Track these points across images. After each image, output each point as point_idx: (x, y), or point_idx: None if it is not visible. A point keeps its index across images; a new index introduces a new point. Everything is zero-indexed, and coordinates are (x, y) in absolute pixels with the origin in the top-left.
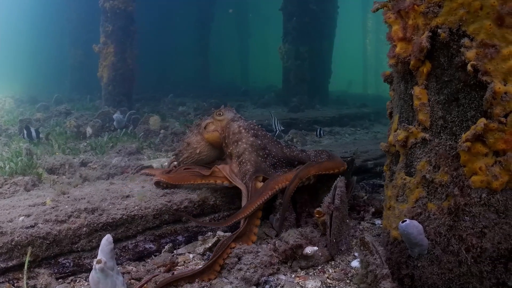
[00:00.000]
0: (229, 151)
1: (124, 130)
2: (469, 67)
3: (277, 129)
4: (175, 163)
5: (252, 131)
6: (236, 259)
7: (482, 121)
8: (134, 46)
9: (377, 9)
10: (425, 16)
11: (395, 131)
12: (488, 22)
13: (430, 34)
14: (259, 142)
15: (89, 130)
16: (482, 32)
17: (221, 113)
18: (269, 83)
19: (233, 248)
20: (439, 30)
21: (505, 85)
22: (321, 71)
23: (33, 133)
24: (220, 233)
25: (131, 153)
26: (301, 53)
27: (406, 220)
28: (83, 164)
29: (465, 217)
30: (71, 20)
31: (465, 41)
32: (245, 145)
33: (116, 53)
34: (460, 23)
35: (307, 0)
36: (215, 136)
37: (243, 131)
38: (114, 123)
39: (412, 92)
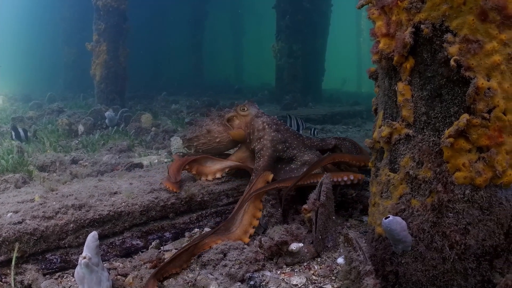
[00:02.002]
0: (252, 147)
1: (115, 128)
2: (452, 62)
3: (301, 128)
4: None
5: (275, 126)
6: (222, 255)
7: (464, 117)
8: (126, 44)
9: (362, 6)
10: (408, 12)
11: (379, 128)
12: (471, 17)
13: (413, 29)
14: (280, 136)
15: (81, 128)
16: (465, 27)
17: (245, 108)
18: (263, 81)
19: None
20: (422, 26)
21: (488, 80)
22: (314, 69)
23: (21, 133)
24: (207, 229)
25: (122, 151)
26: (294, 51)
27: (389, 217)
28: (74, 161)
29: (449, 214)
30: (65, 18)
31: (448, 36)
32: (265, 142)
33: (108, 51)
34: (443, 19)
35: None
36: (240, 135)
37: (266, 127)
38: (106, 121)
39: (396, 88)
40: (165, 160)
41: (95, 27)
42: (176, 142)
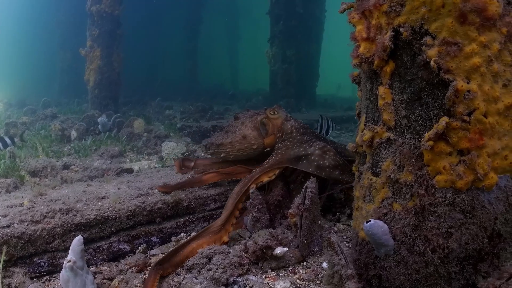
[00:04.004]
0: (275, 148)
1: (108, 133)
2: (432, 63)
3: (330, 129)
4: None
5: (302, 130)
6: (207, 259)
7: (444, 120)
8: (120, 49)
9: (344, 10)
10: (388, 15)
11: (362, 132)
12: (450, 20)
13: (393, 33)
14: (306, 138)
15: (73, 134)
16: (444, 30)
17: (275, 112)
18: (258, 86)
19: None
20: (401, 29)
21: (468, 83)
22: (308, 74)
23: (8, 141)
24: (194, 234)
25: (114, 156)
26: (288, 56)
27: (370, 220)
28: (66, 167)
29: (430, 217)
30: (60, 23)
31: (427, 39)
32: (288, 143)
33: (102, 56)
34: (422, 22)
35: (294, 4)
36: (271, 141)
37: (294, 131)
38: (99, 126)
39: (377, 92)
40: (156, 166)
41: (89, 32)
42: (167, 148)
